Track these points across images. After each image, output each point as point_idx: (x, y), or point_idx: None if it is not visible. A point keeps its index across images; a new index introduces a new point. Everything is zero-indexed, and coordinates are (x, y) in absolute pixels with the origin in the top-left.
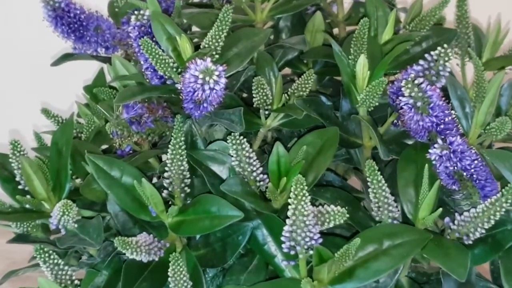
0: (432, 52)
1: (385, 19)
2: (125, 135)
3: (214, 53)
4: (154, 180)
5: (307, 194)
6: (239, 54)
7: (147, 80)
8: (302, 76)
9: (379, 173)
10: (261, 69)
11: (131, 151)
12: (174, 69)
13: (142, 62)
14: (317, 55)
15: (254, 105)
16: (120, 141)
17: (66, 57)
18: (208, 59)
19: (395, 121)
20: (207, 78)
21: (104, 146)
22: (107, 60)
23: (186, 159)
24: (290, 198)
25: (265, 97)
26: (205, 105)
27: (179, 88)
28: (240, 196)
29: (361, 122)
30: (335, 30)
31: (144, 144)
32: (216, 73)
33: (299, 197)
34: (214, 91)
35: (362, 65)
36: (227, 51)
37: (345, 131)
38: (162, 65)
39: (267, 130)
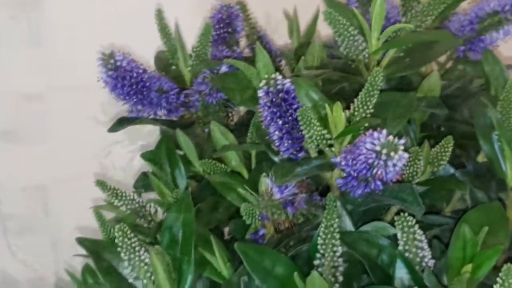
0: None
1: (503, 78)
2: (277, 219)
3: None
4: None
5: None
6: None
7: (278, 151)
8: (441, 143)
9: None
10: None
11: (263, 235)
12: (327, 141)
13: (272, 131)
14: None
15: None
16: (275, 226)
17: (123, 121)
18: (384, 131)
19: None
20: (392, 153)
21: None
22: (168, 123)
23: (340, 245)
24: None
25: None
26: (378, 183)
27: (335, 162)
28: None
29: None
30: None
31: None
32: (401, 147)
33: None
34: (397, 167)
35: None
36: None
37: None
38: (316, 138)
39: None
